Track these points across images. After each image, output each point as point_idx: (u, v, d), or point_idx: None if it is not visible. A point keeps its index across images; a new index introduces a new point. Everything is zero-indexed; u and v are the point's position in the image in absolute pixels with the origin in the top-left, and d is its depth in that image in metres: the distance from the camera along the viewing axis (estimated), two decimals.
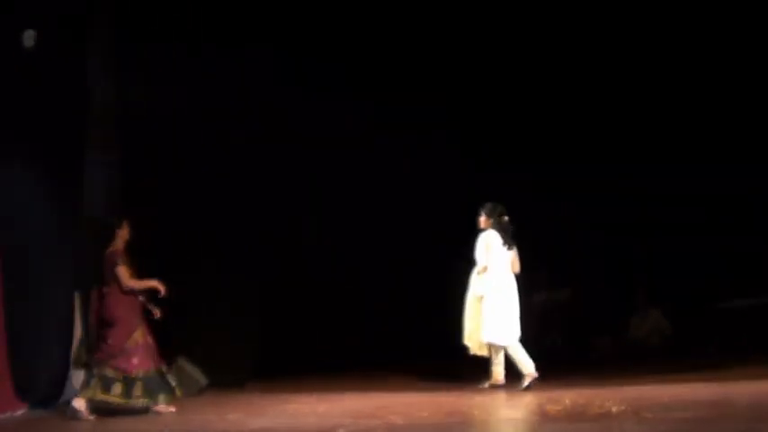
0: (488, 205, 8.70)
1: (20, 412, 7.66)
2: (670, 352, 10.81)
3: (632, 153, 12.13)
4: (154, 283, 7.78)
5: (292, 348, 11.01)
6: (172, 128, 10.14)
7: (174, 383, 7.74)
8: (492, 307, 8.33)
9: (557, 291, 12.32)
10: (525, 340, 8.39)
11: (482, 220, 8.66)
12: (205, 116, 10.30)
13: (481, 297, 8.39)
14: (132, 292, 7.71)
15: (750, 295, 10.90)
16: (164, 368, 7.76)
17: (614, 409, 6.07)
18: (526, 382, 8.04)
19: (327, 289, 11.66)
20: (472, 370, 9.14)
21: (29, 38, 7.97)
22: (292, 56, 11.38)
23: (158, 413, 7.46)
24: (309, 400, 7.93)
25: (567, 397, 6.93)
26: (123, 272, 7.68)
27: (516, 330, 8.37)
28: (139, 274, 7.95)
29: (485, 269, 8.40)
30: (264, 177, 11.08)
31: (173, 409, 7.58)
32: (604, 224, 12.25)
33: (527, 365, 8.12)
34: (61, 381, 8.26)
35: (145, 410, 7.46)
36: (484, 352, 8.43)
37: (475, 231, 8.71)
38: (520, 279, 8.61)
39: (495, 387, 8.24)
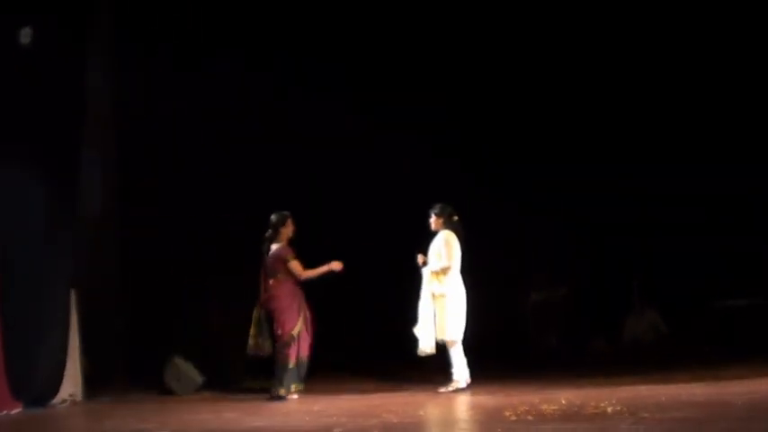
0: (438, 206, 8.61)
1: (15, 411, 7.65)
2: (666, 352, 10.80)
3: (631, 153, 12.12)
4: (326, 268, 8.40)
5: None
6: (170, 127, 10.16)
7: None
8: (456, 306, 8.28)
9: (553, 290, 12.29)
10: (522, 339, 8.40)
11: (433, 221, 8.57)
12: (204, 116, 10.31)
13: (440, 296, 8.30)
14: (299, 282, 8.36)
15: (746, 295, 10.87)
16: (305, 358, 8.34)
17: (610, 409, 6.06)
18: (453, 387, 8.09)
19: (325, 288, 11.65)
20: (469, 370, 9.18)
21: (25, 35, 7.97)
22: (292, 56, 11.38)
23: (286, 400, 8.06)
24: (306, 400, 7.93)
25: (562, 396, 6.92)
26: (296, 266, 8.28)
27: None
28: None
29: (448, 269, 8.32)
30: (264, 177, 11.08)
31: (296, 396, 8.12)
32: (601, 223, 12.22)
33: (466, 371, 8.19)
34: (57, 380, 8.28)
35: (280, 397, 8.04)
36: (432, 352, 8.34)
37: (428, 232, 8.66)
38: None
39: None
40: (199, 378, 9.28)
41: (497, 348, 8.43)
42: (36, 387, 7.99)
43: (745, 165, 11.31)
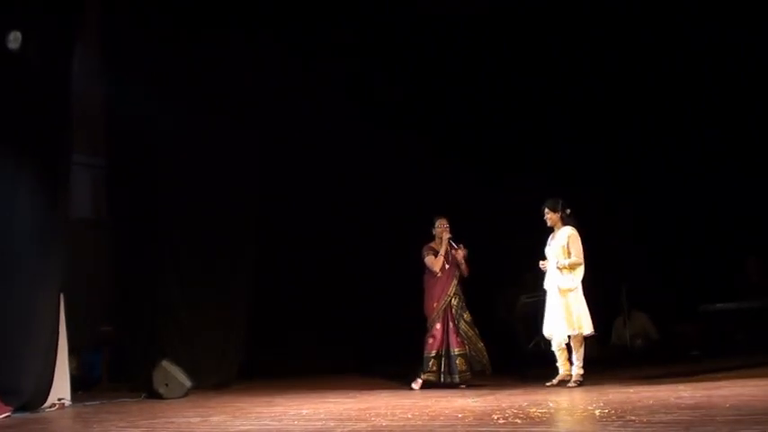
0: (551, 201, 8.53)
1: (3, 416, 7.64)
2: (654, 355, 10.83)
3: (623, 157, 12.17)
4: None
5: (277, 350, 11.00)
6: (162, 129, 10.15)
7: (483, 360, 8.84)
8: (583, 300, 8.31)
9: (543, 293, 12.29)
10: (511, 342, 8.44)
11: (549, 216, 8.49)
12: (196, 117, 10.30)
13: (569, 290, 8.31)
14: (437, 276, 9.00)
15: (733, 299, 10.92)
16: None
17: (598, 412, 6.06)
18: (576, 381, 8.26)
19: (315, 291, 11.66)
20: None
21: (15, 40, 7.96)
22: (289, 54, 11.38)
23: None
24: (294, 403, 7.93)
25: (550, 399, 6.93)
26: (428, 260, 9.06)
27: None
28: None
29: (578, 265, 8.33)
30: (261, 178, 11.08)
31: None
32: (590, 227, 12.24)
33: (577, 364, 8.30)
34: (46, 384, 8.27)
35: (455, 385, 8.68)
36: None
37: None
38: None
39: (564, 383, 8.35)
40: (187, 382, 9.27)
41: (487, 351, 8.44)
42: (25, 392, 7.98)
43: (735, 171, 11.38)
